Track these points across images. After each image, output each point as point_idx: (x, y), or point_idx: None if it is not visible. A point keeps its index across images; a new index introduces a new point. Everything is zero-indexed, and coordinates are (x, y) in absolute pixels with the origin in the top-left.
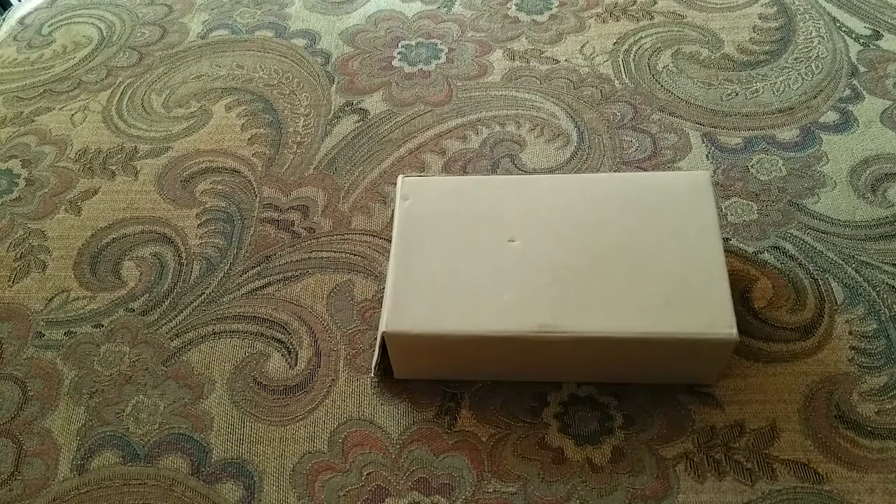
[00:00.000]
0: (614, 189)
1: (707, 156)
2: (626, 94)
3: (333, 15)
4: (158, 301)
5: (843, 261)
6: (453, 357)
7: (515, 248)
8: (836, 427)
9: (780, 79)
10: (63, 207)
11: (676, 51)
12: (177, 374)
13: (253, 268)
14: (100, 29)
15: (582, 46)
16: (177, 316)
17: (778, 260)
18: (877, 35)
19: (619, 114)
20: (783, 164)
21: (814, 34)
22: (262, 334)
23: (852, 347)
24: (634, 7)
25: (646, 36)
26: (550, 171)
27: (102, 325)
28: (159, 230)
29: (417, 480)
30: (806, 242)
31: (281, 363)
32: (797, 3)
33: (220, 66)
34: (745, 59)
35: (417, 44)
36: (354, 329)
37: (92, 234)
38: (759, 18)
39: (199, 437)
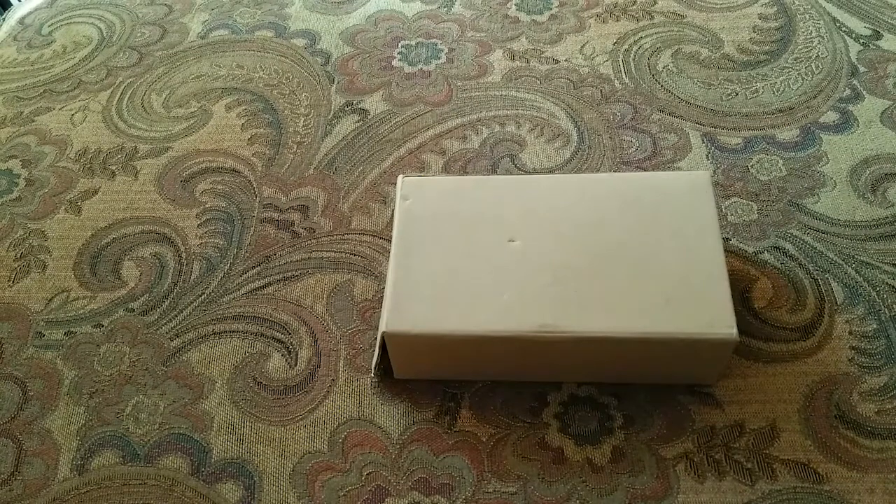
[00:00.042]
0: (614, 189)
1: (707, 156)
2: (626, 94)
3: (333, 15)
4: (158, 301)
5: (843, 261)
6: (453, 357)
7: (515, 248)
8: (836, 427)
9: (780, 79)
10: (63, 207)
11: (676, 51)
12: (177, 374)
13: (253, 268)
14: (100, 29)
15: (582, 46)
16: (177, 316)
17: (778, 260)
18: (877, 35)
19: (619, 114)
20: (783, 164)
21: (814, 34)
22: (262, 334)
23: (852, 347)
24: (634, 7)
25: (646, 36)
26: (550, 171)
27: (102, 325)
28: (159, 230)
29: (417, 480)
30: (806, 242)
31: (281, 363)
32: (797, 3)
33: (220, 66)
34: (745, 59)
35: (417, 44)
36: (354, 329)
37: (92, 234)
38: (759, 18)
39: (199, 437)
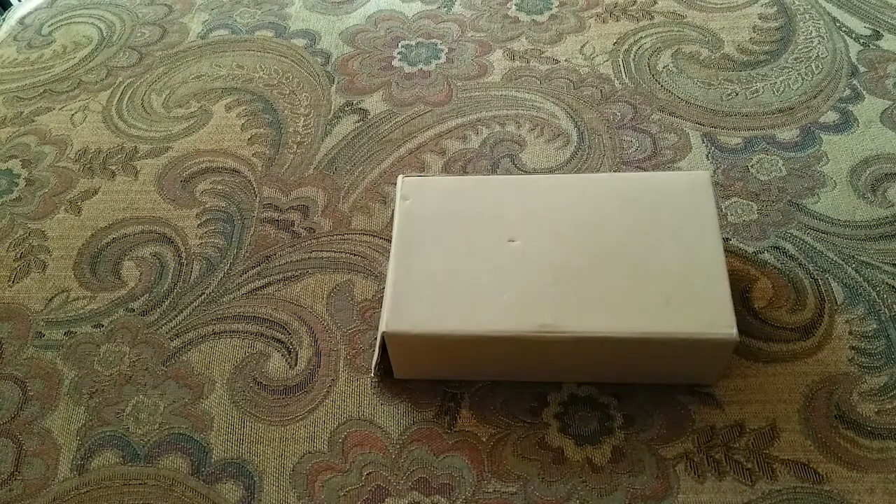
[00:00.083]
0: (614, 189)
1: (707, 156)
2: (626, 94)
3: (333, 15)
4: (158, 301)
5: (843, 261)
6: (453, 357)
7: (515, 248)
8: (836, 427)
9: (780, 79)
10: (63, 207)
11: (676, 51)
12: (177, 374)
13: (253, 268)
14: (100, 29)
15: (582, 46)
16: (177, 316)
17: (778, 260)
18: (877, 35)
19: (619, 114)
20: (783, 164)
21: (814, 34)
22: (262, 334)
23: (852, 347)
24: (634, 7)
25: (646, 36)
26: (550, 171)
27: (102, 325)
28: (159, 230)
29: (417, 480)
30: (806, 242)
31: (281, 363)
32: (797, 3)
33: (220, 66)
34: (745, 59)
35: (417, 44)
36: (354, 329)
37: (92, 234)
38: (759, 18)
39: (199, 437)
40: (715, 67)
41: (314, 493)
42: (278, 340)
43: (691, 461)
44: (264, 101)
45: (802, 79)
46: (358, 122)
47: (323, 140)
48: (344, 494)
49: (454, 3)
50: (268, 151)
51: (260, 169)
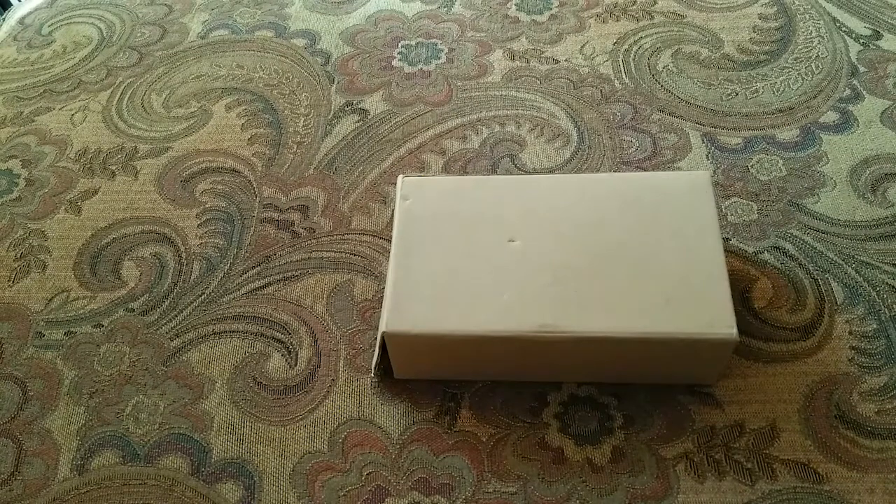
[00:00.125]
0: (614, 189)
1: (707, 156)
2: (626, 94)
3: (333, 15)
4: (158, 301)
5: (843, 261)
6: (453, 357)
7: (515, 248)
8: (836, 427)
9: (780, 79)
10: (63, 207)
11: (676, 51)
12: (177, 374)
13: (253, 268)
14: (100, 29)
15: (582, 46)
16: (177, 316)
17: (778, 260)
18: (877, 35)
19: (619, 114)
20: (783, 164)
21: (814, 34)
22: (262, 334)
23: (852, 347)
24: (634, 7)
25: (646, 36)
26: (550, 171)
27: (102, 325)
28: (159, 230)
29: (417, 480)
30: (806, 242)
31: (281, 363)
32: (797, 3)
33: (220, 66)
34: (745, 59)
35: (417, 44)
36: (354, 329)
37: (92, 234)
38: (759, 18)
39: (199, 437)
40: (715, 67)
41: (314, 493)
42: (278, 340)
43: (691, 461)
44: (264, 101)
45: (802, 79)
46: (358, 122)
47: (323, 140)
48: (344, 494)
49: (454, 3)
50: (268, 151)
51: (260, 169)
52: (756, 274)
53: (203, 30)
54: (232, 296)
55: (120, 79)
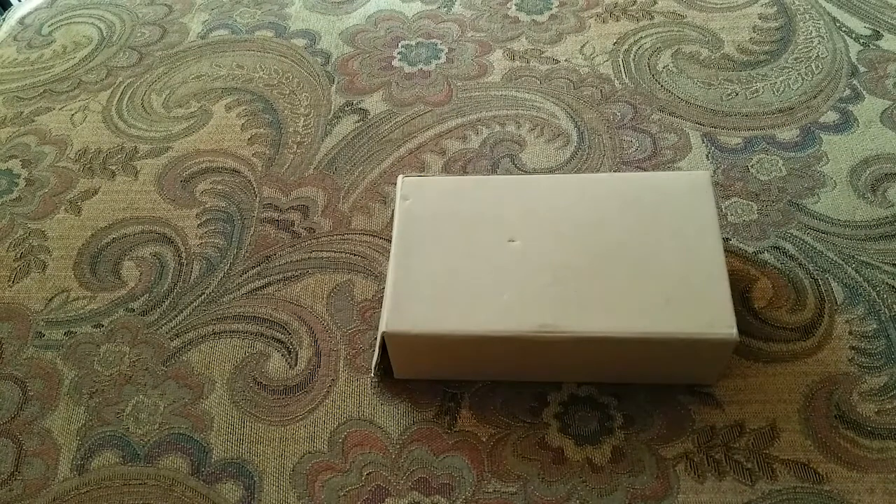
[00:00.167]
0: (614, 189)
1: (707, 156)
2: (626, 94)
3: (333, 15)
4: (158, 301)
5: (843, 261)
6: (453, 357)
7: (515, 248)
8: (836, 427)
9: (780, 79)
10: (63, 207)
11: (676, 51)
12: (177, 374)
13: (253, 268)
14: (100, 29)
15: (582, 46)
16: (177, 316)
17: (778, 260)
18: (877, 35)
19: (619, 114)
20: (783, 164)
21: (814, 34)
22: (262, 334)
23: (852, 347)
24: (634, 7)
25: (646, 36)
26: (550, 171)
27: (102, 325)
28: (159, 230)
29: (417, 480)
30: (806, 242)
31: (281, 363)
32: (797, 3)
33: (220, 66)
34: (745, 59)
35: (417, 44)
36: (354, 329)
37: (92, 234)
38: (759, 18)
39: (199, 437)
40: (715, 67)
41: (314, 493)
42: (278, 340)
43: (691, 461)
44: (264, 101)
45: (802, 79)
46: (358, 122)
47: (323, 140)
48: (344, 494)
49: (454, 3)
50: (268, 151)
51: (260, 169)
52: (756, 274)
53: (203, 30)
54: (232, 296)
55: (120, 79)
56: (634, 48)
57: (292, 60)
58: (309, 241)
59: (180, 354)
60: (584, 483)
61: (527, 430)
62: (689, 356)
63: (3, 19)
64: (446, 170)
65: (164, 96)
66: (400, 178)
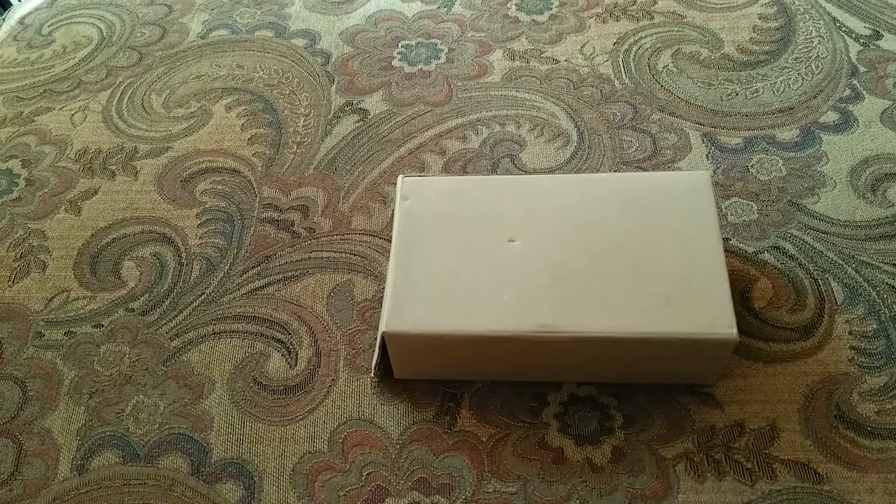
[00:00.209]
0: (614, 189)
1: (707, 156)
2: (626, 94)
3: (333, 15)
4: (158, 301)
5: (843, 261)
6: (453, 357)
7: (515, 248)
8: (836, 427)
9: (780, 79)
10: (63, 207)
11: (676, 51)
12: (177, 374)
13: (253, 268)
14: (100, 29)
15: (582, 46)
16: (177, 316)
17: (778, 260)
18: (877, 35)
19: (619, 114)
20: (783, 164)
21: (814, 34)
22: (262, 334)
23: (852, 347)
24: (634, 7)
25: (646, 36)
26: (550, 171)
27: (102, 325)
28: (159, 230)
29: (417, 480)
30: (806, 242)
31: (281, 363)
32: (797, 3)
33: (220, 66)
34: (745, 59)
35: (417, 44)
36: (354, 329)
37: (92, 234)
38: (759, 18)
39: (199, 437)
40: (715, 67)
41: (314, 493)
42: (278, 340)
43: (691, 461)
44: (264, 101)
45: (802, 79)
46: (358, 122)
47: (323, 140)
48: (344, 494)
49: (454, 3)
50: (268, 151)
51: (260, 169)
52: (756, 274)
53: (203, 30)
54: (232, 296)
55: (120, 79)
56: (634, 48)
57: (292, 60)
58: (309, 241)
59: (180, 354)
60: (584, 483)
61: (527, 430)
62: (689, 356)
63: (3, 19)
64: (446, 170)
65: (164, 96)
66: (400, 178)
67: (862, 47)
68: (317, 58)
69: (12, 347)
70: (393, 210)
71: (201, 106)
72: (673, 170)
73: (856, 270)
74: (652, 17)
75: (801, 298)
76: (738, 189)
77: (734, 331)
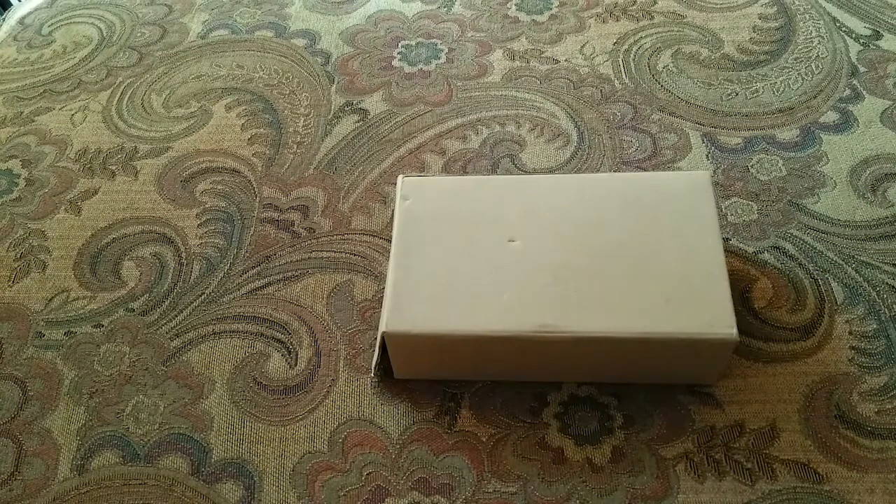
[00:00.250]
0: (614, 189)
1: (707, 156)
2: (626, 94)
3: (333, 15)
4: (158, 301)
5: (843, 261)
6: (453, 357)
7: (515, 248)
8: (836, 427)
9: (780, 79)
10: (63, 207)
11: (676, 51)
12: (177, 374)
13: (253, 268)
14: (100, 29)
15: (582, 46)
16: (177, 316)
17: (778, 260)
18: (877, 35)
19: (619, 114)
20: (783, 164)
21: (814, 34)
22: (262, 334)
23: (852, 347)
24: (634, 7)
25: (646, 36)
26: (550, 171)
27: (102, 325)
28: (159, 230)
29: (417, 480)
30: (806, 242)
31: (281, 363)
32: (797, 3)
33: (220, 66)
34: (745, 59)
35: (417, 44)
36: (354, 329)
37: (92, 234)
38: (759, 18)
39: (199, 437)
40: (715, 67)
41: (314, 493)
42: (278, 340)
43: (691, 461)
44: (264, 101)
45: (802, 79)
46: (358, 122)
47: (323, 140)
48: (344, 494)
49: (454, 3)
50: (268, 151)
51: (260, 169)
52: (756, 274)
53: (203, 30)
54: (232, 296)
55: (120, 79)
56: (634, 48)
57: (292, 60)
58: (309, 241)
59: (180, 354)
60: (584, 483)
61: (527, 430)
62: (689, 356)
63: (3, 19)
64: (446, 170)
65: (164, 96)
66: (400, 178)
67: (862, 47)
68: (317, 58)
69: (12, 347)
70: (393, 210)
71: (201, 106)
72: (673, 170)
73: (856, 270)
74: (652, 17)
75: (801, 298)
76: (738, 189)
77: (734, 331)
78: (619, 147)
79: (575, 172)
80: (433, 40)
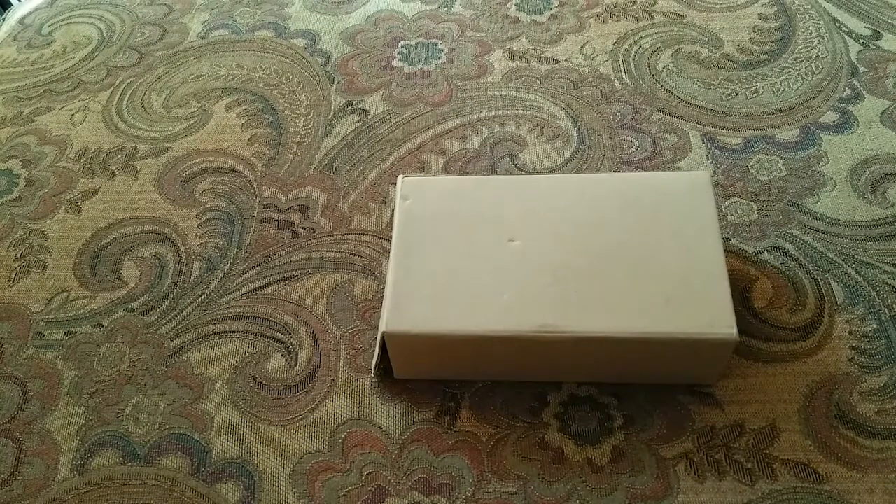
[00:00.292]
0: (614, 189)
1: (707, 156)
2: (626, 94)
3: (333, 15)
4: (158, 301)
5: (843, 261)
6: (453, 357)
7: (515, 248)
8: (836, 427)
9: (780, 79)
10: (63, 207)
11: (676, 51)
12: (177, 374)
13: (253, 268)
14: (100, 29)
15: (582, 46)
16: (177, 316)
17: (778, 260)
18: (877, 35)
19: (619, 114)
20: (783, 164)
21: (814, 34)
22: (262, 334)
23: (852, 347)
24: (634, 7)
25: (646, 36)
26: (550, 171)
27: (102, 325)
28: (159, 230)
29: (417, 480)
30: (806, 242)
31: (281, 363)
32: (797, 3)
33: (220, 66)
34: (745, 59)
35: (417, 44)
36: (354, 329)
37: (92, 234)
38: (759, 18)
39: (199, 437)
40: (715, 67)
41: (314, 493)
42: (278, 340)
43: (691, 461)
44: (264, 101)
45: (802, 79)
46: (358, 122)
47: (323, 140)
48: (344, 494)
49: (454, 3)
50: (268, 151)
51: (260, 169)
52: (756, 274)
53: (203, 30)
54: (232, 296)
55: (120, 79)
56: (634, 48)
57: (292, 60)
58: (309, 241)
59: (180, 354)
60: (584, 483)
61: (527, 430)
62: (689, 356)
63: (3, 19)
64: (446, 170)
65: (164, 96)
66: (400, 178)
67: (862, 47)
68: (317, 58)
69: (12, 347)
70: (393, 210)
71: (201, 106)
72: (673, 170)
73: (856, 270)
74: (652, 17)
75: (801, 298)
76: (738, 189)
77: (734, 331)
78: (619, 147)
79: (575, 172)
80: (433, 40)
